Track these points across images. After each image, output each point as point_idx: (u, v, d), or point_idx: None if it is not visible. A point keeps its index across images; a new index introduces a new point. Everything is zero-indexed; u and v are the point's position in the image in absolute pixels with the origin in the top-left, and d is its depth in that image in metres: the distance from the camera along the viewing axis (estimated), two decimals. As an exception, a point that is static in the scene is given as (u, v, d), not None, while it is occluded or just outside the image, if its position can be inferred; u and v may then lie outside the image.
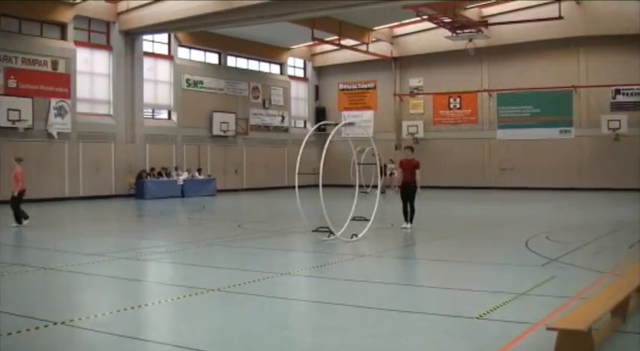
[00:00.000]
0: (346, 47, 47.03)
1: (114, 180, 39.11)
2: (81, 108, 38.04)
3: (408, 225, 20.20)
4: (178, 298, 10.70)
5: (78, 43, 37.90)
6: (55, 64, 36.33)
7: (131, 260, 14.83)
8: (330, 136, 18.67)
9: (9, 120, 33.44)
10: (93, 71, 39.13)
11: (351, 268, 13.97)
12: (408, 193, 20.23)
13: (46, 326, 8.59)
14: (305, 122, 55.69)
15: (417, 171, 20.11)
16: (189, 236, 20.02)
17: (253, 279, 12.16)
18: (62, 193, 36.14)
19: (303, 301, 10.91)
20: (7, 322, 8.87)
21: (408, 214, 20.31)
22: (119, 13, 39.17)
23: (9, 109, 33.39)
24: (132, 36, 40.02)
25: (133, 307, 10.00)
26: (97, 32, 39.39)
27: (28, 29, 35.95)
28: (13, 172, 22.77)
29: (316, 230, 17.82)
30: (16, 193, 22.33)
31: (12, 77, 34.32)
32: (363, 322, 9.10)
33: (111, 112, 39.67)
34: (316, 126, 24.70)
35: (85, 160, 37.47)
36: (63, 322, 8.76)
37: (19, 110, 33.85)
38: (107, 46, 39.66)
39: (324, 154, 17.89)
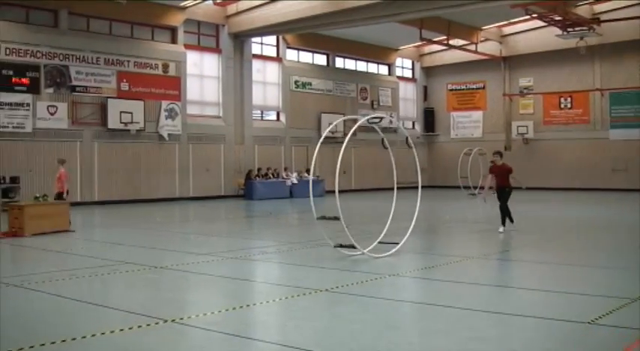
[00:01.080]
0: (455, 47, 46.25)
1: (223, 181, 39.49)
2: (191, 110, 38.60)
3: (501, 228, 19.54)
4: (286, 298, 10.64)
5: (188, 47, 38.49)
6: (165, 68, 37.04)
7: (240, 260, 14.75)
8: (351, 132, 17.92)
9: (122, 122, 34.25)
10: (203, 74, 39.62)
11: (456, 271, 13.61)
12: (504, 196, 19.62)
13: (156, 323, 8.68)
14: (413, 123, 55.21)
15: (511, 175, 19.57)
16: (298, 237, 19.95)
17: (361, 280, 11.97)
18: (173, 194, 36.75)
19: (409, 303, 10.57)
20: (119, 319, 9.00)
21: (506, 218, 19.69)
22: (228, 16, 39.56)
23: (122, 112, 34.21)
24: (241, 38, 40.32)
25: (241, 307, 10.01)
26: (207, 35, 39.90)
27: (139, 33, 36.76)
28: (57, 174, 22.81)
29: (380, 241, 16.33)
30: (65, 195, 22.56)
31: (124, 81, 35.13)
32: (469, 324, 8.76)
33: (220, 114, 40.09)
34: (337, 121, 23.77)
35: (195, 161, 38.04)
36: (173, 320, 8.82)
37: (131, 113, 34.65)
38: (217, 49, 40.14)
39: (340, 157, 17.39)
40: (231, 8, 39.29)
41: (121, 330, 8.34)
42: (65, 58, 33.03)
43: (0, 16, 31.72)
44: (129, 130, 34.64)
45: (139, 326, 8.51)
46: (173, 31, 38.01)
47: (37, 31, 32.44)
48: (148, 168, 35.06)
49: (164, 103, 36.63)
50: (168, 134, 36.56)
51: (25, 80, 31.56)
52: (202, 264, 14.13)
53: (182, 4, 36.91)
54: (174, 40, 38.03)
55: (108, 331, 8.27)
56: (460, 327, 8.65)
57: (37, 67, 32.09)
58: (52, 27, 33.24)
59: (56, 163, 23.39)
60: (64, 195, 22.41)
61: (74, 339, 7.93)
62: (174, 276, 12.39)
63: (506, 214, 19.63)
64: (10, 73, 31.17)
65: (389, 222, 16.34)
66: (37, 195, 21.89)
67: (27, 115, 31.29)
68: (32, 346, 7.58)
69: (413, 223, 16.47)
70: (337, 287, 11.31)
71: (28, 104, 31.37)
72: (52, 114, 32.03)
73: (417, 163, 17.38)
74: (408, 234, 15.96)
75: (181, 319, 8.93)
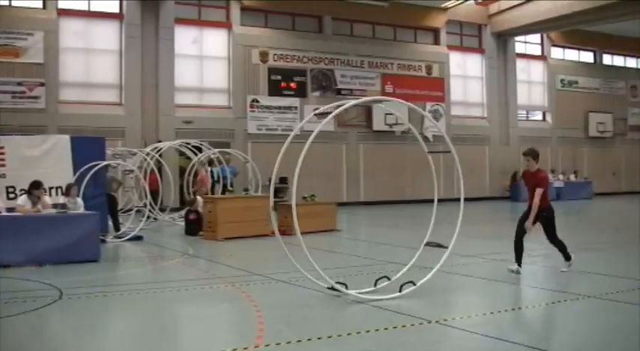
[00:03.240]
0: None
1: (488, 182, 37.47)
2: (455, 111, 37.00)
3: (514, 267, 11.75)
4: (552, 302, 9.62)
5: (450, 48, 36.95)
6: (429, 69, 35.77)
7: (504, 262, 13.19)
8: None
9: (386, 124, 33.38)
10: (466, 74, 37.89)
11: None
12: (544, 225, 11.98)
13: (420, 324, 8.25)
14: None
15: (538, 190, 11.65)
16: (567, 239, 17.70)
17: (633, 287, 10.22)
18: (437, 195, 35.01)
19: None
20: (385, 318, 8.52)
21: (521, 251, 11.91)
22: (490, 16, 37.54)
23: (386, 114, 33.29)
24: (504, 38, 38.13)
25: (506, 310, 9.23)
26: (469, 36, 38.09)
27: (402, 36, 35.73)
28: (198, 176, 22.48)
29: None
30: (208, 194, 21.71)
31: (388, 83, 34.29)
32: None
33: (485, 115, 38.17)
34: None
35: (459, 162, 36.13)
36: (437, 321, 8.32)
37: (395, 114, 33.57)
38: (479, 49, 38.22)
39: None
40: (493, 7, 37.27)
41: (385, 329, 7.97)
42: (330, 63, 32.82)
43: (269, 24, 32.13)
44: (394, 132, 33.60)
45: (403, 326, 8.13)
46: (435, 32, 36.66)
47: (303, 37, 32.51)
48: (412, 169, 33.74)
49: (428, 105, 35.34)
50: (433, 136, 35.12)
51: (292, 85, 31.78)
52: (467, 265, 13.21)
53: (444, 5, 35.48)
54: (436, 42, 36.68)
55: (373, 329, 7.93)
56: None
57: (304, 71, 32.18)
58: (317, 33, 33.21)
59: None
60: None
61: (339, 336, 7.69)
62: (438, 277, 11.29)
63: (560, 247, 12.11)
64: (279, 78, 31.44)
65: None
66: (305, 195, 21.33)
67: (295, 118, 31.25)
68: (299, 341, 7.42)
69: None
70: (607, 294, 9.89)
71: (295, 107, 31.48)
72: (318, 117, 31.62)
73: None
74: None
75: (445, 320, 8.41)
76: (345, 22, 33.85)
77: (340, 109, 9.73)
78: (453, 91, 36.97)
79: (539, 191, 11.53)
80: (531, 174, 11.91)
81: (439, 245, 10.91)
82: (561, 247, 11.98)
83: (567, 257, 11.89)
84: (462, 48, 37.84)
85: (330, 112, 10.07)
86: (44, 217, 13.80)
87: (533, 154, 12.06)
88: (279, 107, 30.75)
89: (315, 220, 19.64)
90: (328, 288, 9.65)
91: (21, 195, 14.89)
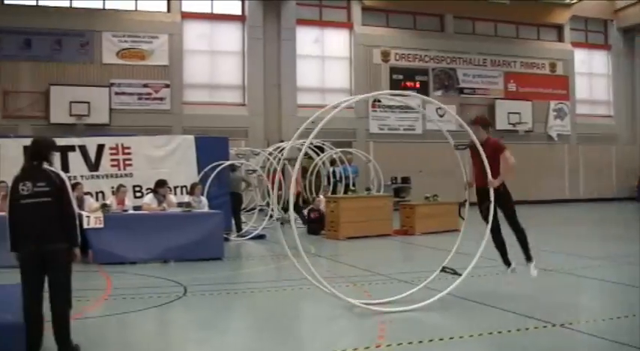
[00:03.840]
0: None
1: (615, 182, 35.59)
2: (580, 109, 35.24)
3: (509, 269, 10.00)
4: None
5: (575, 44, 35.21)
6: (552, 67, 34.26)
7: (634, 266, 12.14)
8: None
9: (510, 123, 32.16)
10: (591, 72, 36.05)
11: None
12: (487, 204, 9.55)
13: (544, 326, 7.96)
14: None
15: (506, 153, 9.66)
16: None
17: None
18: (562, 195, 33.55)
19: None
20: (511, 320, 8.32)
21: (505, 248, 10.03)
22: (617, 10, 35.56)
23: (509, 113, 32.16)
24: (631, 33, 36.06)
25: (634, 315, 8.48)
26: (594, 32, 36.24)
27: (525, 33, 34.35)
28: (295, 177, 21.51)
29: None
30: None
31: (511, 81, 33.05)
32: None
33: (611, 113, 36.31)
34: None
35: (585, 162, 34.52)
36: (562, 324, 8.02)
37: (518, 113, 32.45)
38: (605, 46, 36.28)
39: None
40: (620, 2, 35.34)
41: (509, 331, 7.81)
42: (452, 61, 31.92)
43: (390, 24, 31.48)
44: (517, 131, 32.28)
45: (527, 329, 7.90)
46: (559, 29, 35.06)
47: (425, 36, 31.65)
48: (536, 169, 32.34)
49: (552, 103, 33.89)
50: (557, 134, 33.77)
51: (414, 84, 30.95)
52: (595, 268, 12.52)
53: (567, 0, 33.86)
54: (560, 39, 35.07)
55: (495, 331, 7.76)
56: None
57: (426, 71, 31.38)
58: (438, 31, 32.31)
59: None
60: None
61: (461, 337, 7.55)
62: (565, 279, 11.19)
63: (520, 240, 9.97)
64: (401, 77, 30.79)
65: None
66: (428, 195, 20.72)
67: (417, 118, 30.52)
68: (420, 341, 7.32)
69: None
70: None
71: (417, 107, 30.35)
72: (440, 116, 30.88)
73: None
74: None
75: (570, 323, 8.13)
76: (467, 20, 32.75)
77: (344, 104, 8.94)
78: (578, 89, 35.23)
79: (508, 153, 9.62)
80: (484, 143, 9.59)
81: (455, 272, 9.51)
82: (523, 238, 9.86)
83: (529, 257, 9.87)
84: (587, 44, 36.03)
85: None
86: (169, 215, 13.95)
87: (483, 122, 10.19)
88: (401, 107, 30.03)
89: (437, 220, 19.25)
90: (442, 270, 9.34)
91: (147, 194, 15.06)
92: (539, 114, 33.37)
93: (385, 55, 30.61)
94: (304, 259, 8.50)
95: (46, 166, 6.64)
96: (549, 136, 33.70)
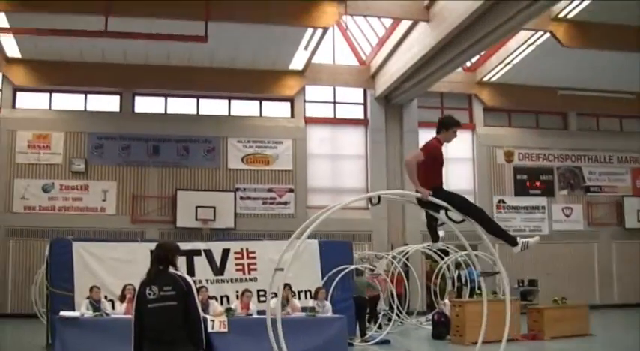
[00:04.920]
0: None
1: None
2: None
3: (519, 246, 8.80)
4: None
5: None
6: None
7: None
8: None
9: (639, 221, 30.56)
10: None
11: None
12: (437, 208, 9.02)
13: None
14: None
15: None
16: None
17: None
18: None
19: None
20: None
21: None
22: None
23: (638, 210, 30.60)
24: None
25: None
26: None
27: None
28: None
29: None
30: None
31: (639, 177, 31.73)
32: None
33: None
34: None
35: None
36: None
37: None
38: None
39: None
40: None
41: None
42: (577, 159, 30.83)
43: (512, 124, 30.97)
44: (646, 230, 30.62)
45: None
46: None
47: (548, 135, 30.80)
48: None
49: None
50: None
51: (539, 184, 30.12)
52: None
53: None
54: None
55: None
56: None
57: (550, 170, 30.45)
58: (561, 129, 31.41)
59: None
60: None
61: None
62: None
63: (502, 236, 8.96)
64: (525, 177, 29.98)
65: None
66: (556, 298, 19.77)
67: (543, 218, 29.54)
68: None
69: None
70: None
71: (543, 207, 29.75)
72: (567, 216, 29.92)
73: None
74: None
75: None
76: (590, 117, 31.80)
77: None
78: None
79: None
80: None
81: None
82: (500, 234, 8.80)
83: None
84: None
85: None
86: (293, 319, 13.77)
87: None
88: (526, 207, 29.14)
89: (567, 324, 18.45)
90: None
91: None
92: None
93: (508, 156, 29.97)
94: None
95: (171, 270, 6.57)
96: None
